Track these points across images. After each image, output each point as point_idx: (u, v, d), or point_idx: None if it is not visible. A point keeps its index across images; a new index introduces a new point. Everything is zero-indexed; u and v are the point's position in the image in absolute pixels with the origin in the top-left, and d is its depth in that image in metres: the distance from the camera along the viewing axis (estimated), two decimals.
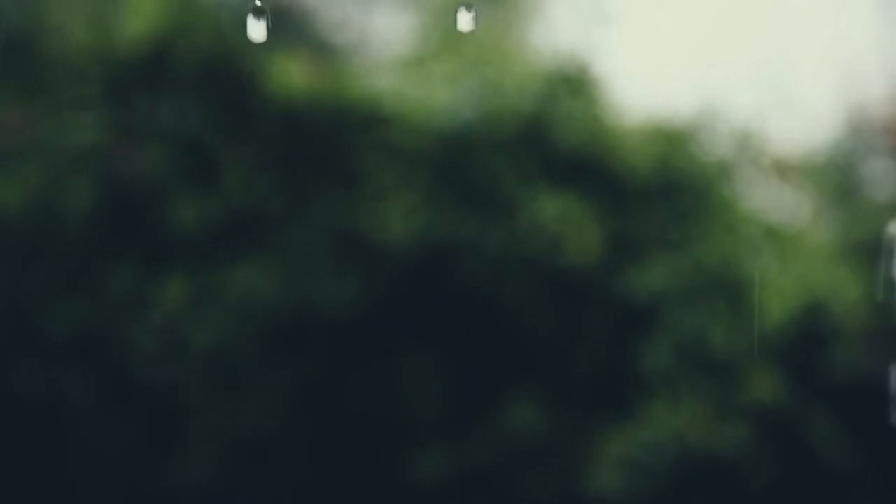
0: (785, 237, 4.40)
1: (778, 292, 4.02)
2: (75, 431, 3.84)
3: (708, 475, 3.85)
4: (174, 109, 4.00)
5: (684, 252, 4.09)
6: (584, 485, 3.87)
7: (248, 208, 3.94)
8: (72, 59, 4.00)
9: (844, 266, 4.18)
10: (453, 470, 3.87)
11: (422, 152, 4.05)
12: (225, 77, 4.03)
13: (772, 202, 4.56)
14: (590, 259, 4.00)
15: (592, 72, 4.30)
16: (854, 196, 4.79)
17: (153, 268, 3.86)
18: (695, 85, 4.42)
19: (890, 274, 4.09)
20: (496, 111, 4.09)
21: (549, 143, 4.13)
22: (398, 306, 3.95)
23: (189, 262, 3.87)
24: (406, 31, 5.11)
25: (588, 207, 4.04)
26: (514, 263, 3.98)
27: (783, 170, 4.56)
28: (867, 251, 4.30)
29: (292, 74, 4.03)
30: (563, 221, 3.99)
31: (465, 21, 1.60)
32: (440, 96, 4.11)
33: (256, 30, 1.58)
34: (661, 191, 4.19)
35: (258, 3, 1.58)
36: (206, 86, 4.02)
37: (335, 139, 4.05)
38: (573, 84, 4.24)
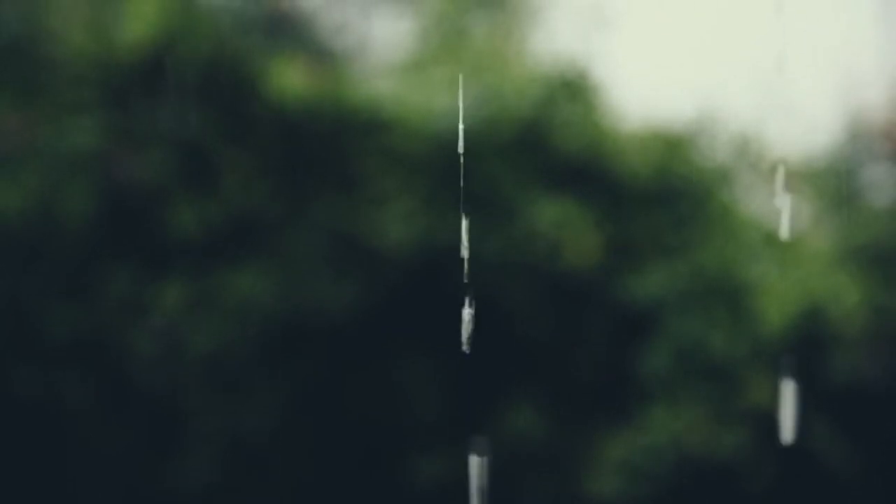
0: (784, 242, 4.40)
1: (777, 297, 4.02)
2: (74, 434, 3.83)
3: (707, 479, 3.85)
4: (173, 114, 4.00)
5: (683, 257, 4.09)
6: (584, 489, 3.86)
7: (247, 212, 3.94)
8: (71, 64, 4.00)
9: (844, 271, 4.18)
10: (453, 473, 3.87)
11: (421, 157, 4.05)
12: (224, 82, 4.03)
13: (771, 207, 4.56)
14: (589, 264, 4.00)
15: (591, 77, 4.31)
16: (853, 201, 4.79)
17: (152, 272, 3.86)
18: (694, 90, 4.42)
19: None
20: (495, 116, 4.09)
21: (548, 149, 4.13)
22: (397, 310, 3.95)
23: (188, 266, 3.87)
24: (405, 36, 5.11)
25: (587, 212, 4.04)
26: (513, 268, 3.98)
27: (782, 175, 4.56)
28: (867, 256, 4.30)
29: (292, 79, 4.03)
30: (562, 226, 3.99)
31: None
32: (439, 101, 4.11)
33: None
34: (661, 196, 4.19)
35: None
36: (205, 91, 4.02)
37: (334, 144, 4.05)
38: (572, 89, 4.24)
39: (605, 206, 4.09)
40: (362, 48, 5.25)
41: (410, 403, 3.93)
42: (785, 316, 4.00)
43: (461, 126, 1.66)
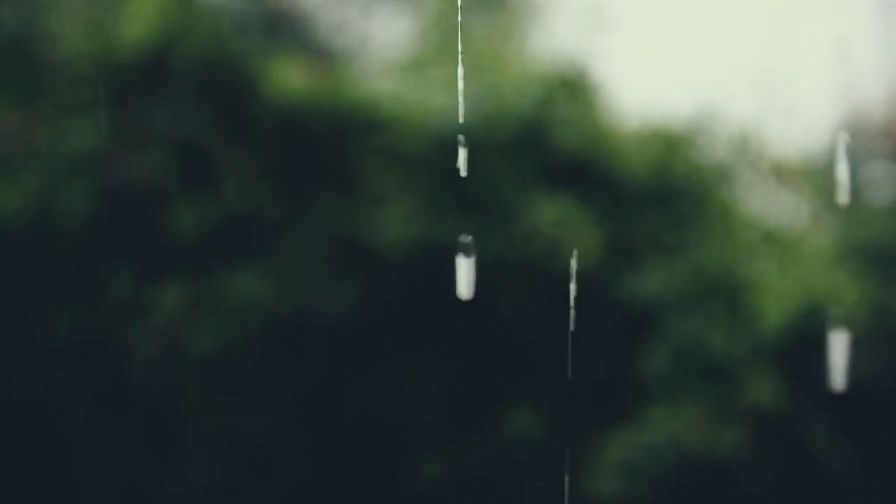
0: (784, 240, 4.40)
1: (777, 296, 4.02)
2: (74, 435, 3.83)
3: (707, 479, 3.85)
4: (173, 114, 3.99)
5: (683, 256, 4.08)
6: (584, 489, 3.86)
7: (247, 213, 3.94)
8: (70, 64, 4.00)
9: (843, 269, 4.17)
10: (453, 475, 3.87)
11: (420, 156, 4.05)
12: (223, 82, 4.03)
13: (770, 206, 4.56)
14: (588, 263, 3.99)
15: (590, 76, 4.30)
16: (853, 199, 4.79)
17: (152, 273, 3.86)
18: (693, 89, 4.42)
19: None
20: (494, 115, 4.09)
21: (548, 148, 4.13)
22: (397, 311, 3.95)
23: (188, 267, 3.87)
24: (404, 35, 5.11)
25: (586, 212, 4.04)
26: (512, 268, 3.98)
27: (782, 173, 4.56)
28: (866, 255, 4.30)
29: (291, 79, 4.03)
30: (562, 226, 3.99)
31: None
32: (438, 100, 4.10)
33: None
34: (660, 195, 4.19)
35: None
36: (204, 91, 4.02)
37: (334, 144, 4.04)
38: (571, 88, 4.23)
39: (605, 206, 4.09)
40: (362, 47, 5.25)
41: (410, 403, 3.93)
42: (784, 314, 3.99)
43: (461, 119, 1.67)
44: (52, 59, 4.02)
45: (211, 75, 4.02)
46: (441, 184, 4.03)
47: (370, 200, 4.00)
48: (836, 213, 4.64)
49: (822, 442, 3.91)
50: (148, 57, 3.98)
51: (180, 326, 3.81)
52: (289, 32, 4.83)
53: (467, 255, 1.56)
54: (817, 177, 4.70)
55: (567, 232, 3.98)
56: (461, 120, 1.81)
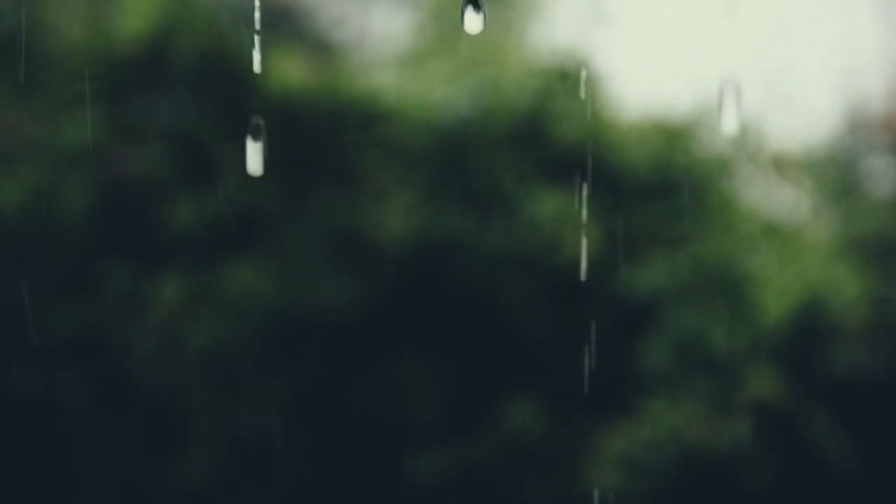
0: (784, 234, 4.39)
1: (777, 290, 4.01)
2: (73, 432, 3.83)
3: (707, 473, 3.85)
4: (171, 108, 3.99)
5: (683, 250, 4.08)
6: (584, 483, 3.86)
7: (246, 208, 3.93)
8: (68, 59, 3.99)
9: (843, 263, 4.17)
10: (453, 471, 3.86)
11: (420, 150, 4.04)
12: (222, 75, 4.02)
13: (771, 199, 4.55)
14: (589, 257, 3.99)
15: (590, 69, 4.29)
16: (853, 192, 4.79)
17: (150, 268, 3.85)
18: (693, 81, 4.41)
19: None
20: (493, 108, 4.08)
21: (547, 140, 4.12)
22: (396, 307, 3.94)
23: (186, 262, 3.86)
24: (404, 28, 5.10)
25: (586, 205, 4.03)
26: (512, 262, 3.97)
27: (782, 167, 4.56)
28: (866, 248, 4.30)
29: (290, 72, 4.02)
30: (561, 220, 3.98)
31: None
32: (438, 93, 4.10)
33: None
34: (660, 188, 4.18)
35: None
36: (203, 84, 4.00)
37: (333, 137, 4.04)
38: (571, 81, 4.22)
39: (604, 199, 4.08)
40: (361, 41, 5.24)
41: (410, 400, 3.93)
42: (784, 308, 3.99)
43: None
44: (49, 53, 4.01)
45: (209, 69, 4.01)
46: (441, 178, 4.02)
47: (369, 195, 3.99)
48: (837, 206, 4.64)
49: (822, 435, 3.90)
50: (146, 51, 3.97)
51: (179, 322, 3.80)
52: (288, 26, 4.82)
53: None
54: (817, 170, 4.70)
55: (567, 226, 3.97)
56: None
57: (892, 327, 4.05)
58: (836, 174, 4.76)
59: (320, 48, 4.85)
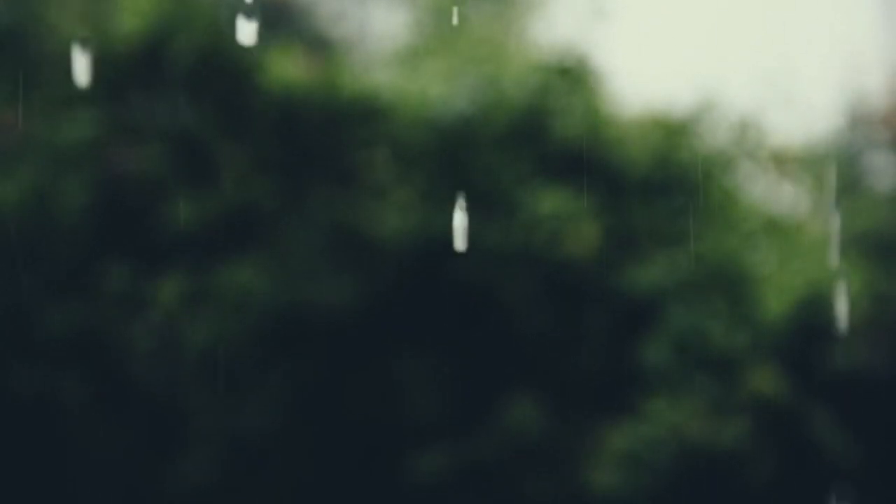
0: (784, 230, 4.38)
1: (777, 286, 4.01)
2: (73, 432, 3.82)
3: (708, 470, 3.84)
4: (169, 106, 3.98)
5: (683, 246, 4.07)
6: (585, 480, 3.86)
7: (245, 206, 3.92)
8: (66, 57, 3.98)
9: (844, 259, 4.16)
10: (454, 469, 3.86)
11: (419, 147, 4.04)
12: (220, 73, 4.01)
13: (771, 195, 4.54)
14: (588, 254, 3.98)
15: (590, 65, 4.29)
16: (854, 188, 4.78)
17: (149, 267, 3.85)
18: (694, 77, 4.40)
19: None
20: (493, 105, 4.07)
21: (547, 137, 4.11)
22: (396, 304, 3.93)
23: (185, 260, 3.86)
24: (403, 25, 5.10)
25: (586, 202, 4.02)
26: (512, 259, 3.97)
27: (782, 163, 4.55)
28: (867, 244, 4.29)
29: (288, 69, 4.02)
30: (562, 217, 3.97)
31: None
32: (437, 90, 4.09)
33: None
34: (660, 184, 4.17)
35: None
36: (201, 82, 4.00)
37: (332, 135, 4.03)
38: (571, 77, 4.22)
39: (605, 195, 4.08)
40: (360, 38, 5.24)
41: (410, 398, 3.92)
42: (785, 305, 3.99)
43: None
44: (47, 51, 4.00)
45: (208, 67, 4.00)
46: (440, 175, 4.02)
47: (369, 192, 3.98)
48: (837, 202, 4.63)
49: (822, 432, 3.90)
50: (144, 49, 3.96)
51: (178, 321, 3.80)
52: (287, 23, 4.81)
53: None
54: (818, 166, 4.69)
55: (567, 222, 3.97)
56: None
57: (893, 324, 4.05)
58: (836, 170, 4.75)
59: (319, 45, 4.84)
